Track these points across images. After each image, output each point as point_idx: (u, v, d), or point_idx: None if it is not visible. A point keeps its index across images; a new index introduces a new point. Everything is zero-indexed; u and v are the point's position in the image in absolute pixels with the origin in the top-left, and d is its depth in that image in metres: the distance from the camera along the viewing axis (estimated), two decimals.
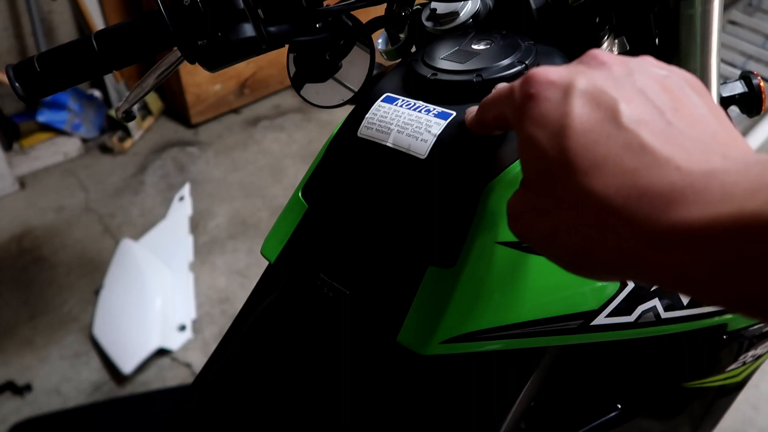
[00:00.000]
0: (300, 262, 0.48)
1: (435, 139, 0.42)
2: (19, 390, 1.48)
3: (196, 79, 2.23)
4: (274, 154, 2.22)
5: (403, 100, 0.46)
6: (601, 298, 0.43)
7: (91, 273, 1.78)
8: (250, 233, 1.90)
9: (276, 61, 2.35)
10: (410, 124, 0.44)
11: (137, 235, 1.87)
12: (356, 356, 0.43)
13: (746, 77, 0.71)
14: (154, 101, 2.31)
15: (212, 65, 0.51)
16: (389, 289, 0.43)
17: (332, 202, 0.48)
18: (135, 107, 0.63)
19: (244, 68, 2.34)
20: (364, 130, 0.46)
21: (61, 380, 1.52)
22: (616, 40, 0.58)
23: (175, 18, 0.47)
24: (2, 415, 1.43)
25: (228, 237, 1.89)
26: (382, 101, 0.47)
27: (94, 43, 0.49)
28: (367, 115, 0.46)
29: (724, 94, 0.71)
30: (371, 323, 0.43)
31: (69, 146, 2.18)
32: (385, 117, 0.45)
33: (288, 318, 0.47)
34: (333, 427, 0.44)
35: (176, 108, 2.35)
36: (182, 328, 1.61)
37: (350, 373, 0.43)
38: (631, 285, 0.44)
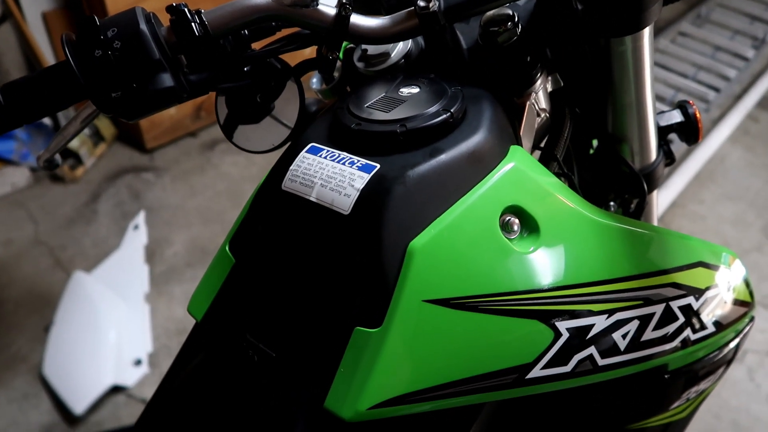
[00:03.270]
0: (226, 321, 0.46)
1: (358, 194, 0.41)
2: None
3: None
4: (233, 177, 2.18)
5: (327, 152, 0.44)
6: (534, 351, 0.42)
7: (41, 309, 1.71)
8: (209, 260, 1.85)
9: None
10: (334, 177, 0.42)
11: (90, 267, 1.81)
12: (284, 424, 0.41)
13: (682, 106, 0.72)
14: (106, 127, 2.26)
15: (130, 116, 0.49)
16: (315, 351, 0.41)
17: (258, 257, 0.46)
18: (57, 156, 0.60)
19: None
20: (288, 183, 0.44)
21: (8, 425, 1.45)
22: (550, 77, 0.58)
23: (86, 70, 0.45)
24: None
25: (186, 265, 1.85)
26: (306, 152, 0.45)
27: (0, 97, 0.46)
28: (291, 167, 0.45)
29: (662, 124, 0.71)
30: (298, 388, 0.41)
31: (17, 176, 2.10)
32: (309, 169, 0.44)
33: (214, 383, 0.45)
34: None
35: (130, 133, 2.29)
36: (138, 362, 1.56)
37: None
38: (565, 335, 0.43)
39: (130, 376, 1.53)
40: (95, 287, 1.70)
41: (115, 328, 1.59)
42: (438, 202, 0.41)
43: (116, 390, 1.50)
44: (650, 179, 0.68)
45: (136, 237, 1.89)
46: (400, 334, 0.39)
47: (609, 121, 0.65)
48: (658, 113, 0.70)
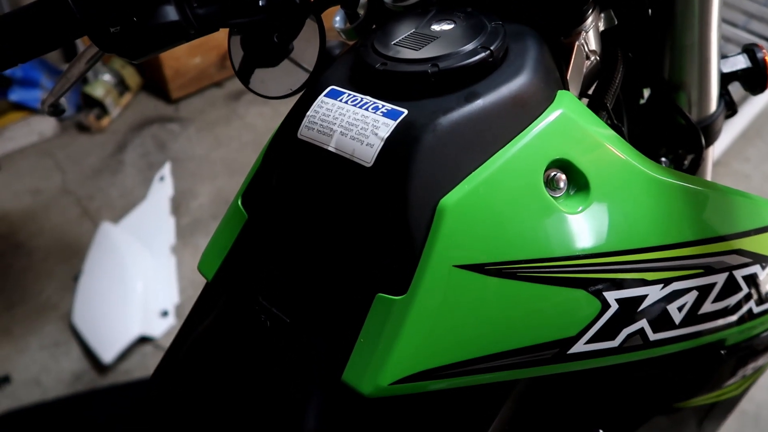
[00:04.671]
0: (238, 282, 0.42)
1: (382, 143, 0.36)
2: None
3: (174, 52, 2.14)
4: (259, 129, 2.14)
5: (348, 95, 0.39)
6: (579, 323, 0.38)
7: (69, 258, 1.72)
8: None
9: None
10: (355, 124, 0.37)
11: (117, 218, 1.81)
12: (297, 396, 0.38)
13: (750, 50, 0.64)
14: (131, 76, 2.22)
15: (131, 55, 0.44)
16: (333, 318, 0.37)
17: (272, 213, 0.42)
18: (62, 100, 0.56)
19: (224, 39, 2.23)
20: (304, 131, 0.39)
21: (40, 371, 1.48)
22: (602, 14, 0.51)
23: (81, 2, 0.40)
24: None
25: (211, 217, 1.83)
26: (325, 96, 0.40)
27: None
28: (308, 113, 0.40)
29: (725, 70, 0.64)
30: (313, 358, 0.38)
31: (44, 126, 2.10)
32: (328, 115, 0.39)
33: (223, 351, 0.42)
34: None
35: (155, 83, 2.26)
36: (164, 313, 1.57)
37: (290, 417, 0.38)
38: (614, 307, 0.38)
39: (157, 327, 1.54)
40: (122, 238, 1.70)
41: (142, 279, 1.60)
42: (473, 154, 0.36)
43: (144, 340, 1.51)
44: (708, 132, 0.61)
45: (162, 188, 1.88)
46: (427, 302, 0.34)
47: (666, 66, 0.57)
48: (722, 58, 0.62)
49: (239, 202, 0.45)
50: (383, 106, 0.37)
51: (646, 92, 0.64)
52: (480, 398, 0.39)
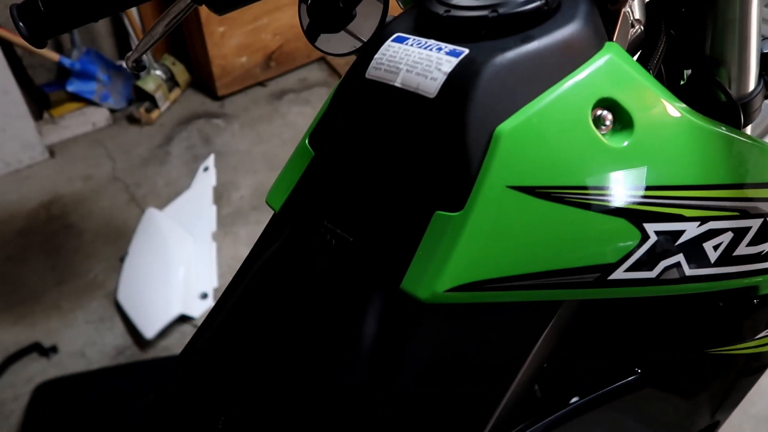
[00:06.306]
0: (304, 210, 0.47)
1: (445, 77, 0.40)
2: (45, 352, 1.51)
3: (222, 50, 2.23)
4: (299, 127, 2.21)
5: (414, 39, 0.43)
6: (620, 251, 0.41)
7: (116, 240, 1.80)
8: None
9: (302, 34, 2.33)
10: (420, 62, 0.41)
11: (162, 205, 1.89)
12: (359, 305, 0.41)
13: None
14: (181, 73, 2.32)
15: (220, 7, 0.49)
16: (394, 235, 0.41)
17: (338, 147, 0.46)
18: (145, 57, 0.62)
19: (270, 41, 2.32)
20: (372, 71, 0.44)
21: (85, 344, 1.54)
22: None
23: None
24: (29, 375, 1.47)
25: (251, 208, 1.89)
26: (392, 41, 0.44)
27: None
28: (375, 56, 0.44)
29: (766, 50, 0.66)
30: (375, 271, 0.41)
31: (97, 116, 2.20)
32: (395, 56, 0.43)
33: (291, 267, 0.46)
34: (336, 377, 0.43)
35: (203, 80, 2.35)
36: (204, 296, 1.62)
37: (353, 323, 0.41)
38: (653, 238, 0.41)
39: (196, 308, 1.59)
40: (167, 223, 1.77)
41: (184, 262, 1.66)
42: (528, 89, 0.39)
43: (183, 319, 1.56)
44: (747, 110, 0.63)
45: (206, 178, 1.95)
46: (482, 219, 0.38)
47: (708, 41, 0.60)
48: (763, 39, 0.65)
49: (306, 141, 0.49)
50: (446, 46, 0.41)
51: (687, 74, 0.67)
52: (525, 317, 0.42)
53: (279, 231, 0.48)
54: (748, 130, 0.70)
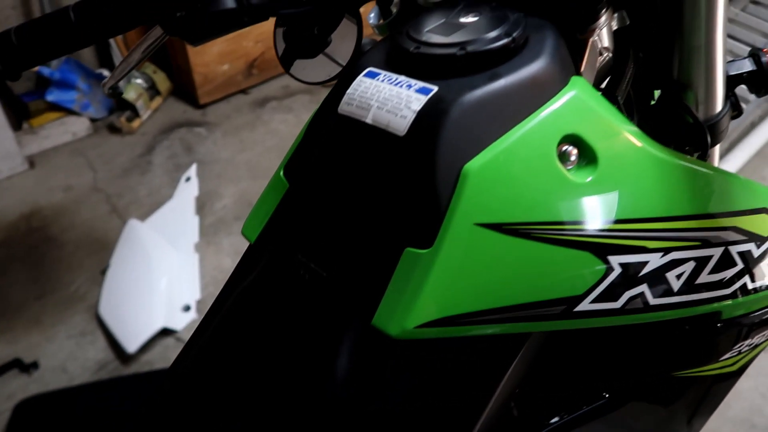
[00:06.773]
0: (278, 242, 0.47)
1: (414, 115, 0.41)
2: (26, 367, 1.50)
3: (203, 58, 2.22)
4: (282, 134, 2.21)
5: (385, 75, 0.44)
6: (585, 283, 0.42)
7: (98, 252, 1.79)
8: None
9: None
10: (390, 100, 0.42)
11: (144, 215, 1.88)
12: (331, 340, 0.42)
13: (755, 55, 0.68)
14: (162, 81, 2.31)
15: (193, 39, 0.50)
16: (366, 271, 0.42)
17: (312, 180, 0.47)
18: (121, 83, 0.62)
19: (252, 48, 2.32)
20: (344, 106, 0.44)
21: (67, 358, 1.53)
22: (615, 14, 0.56)
23: None
24: (9, 392, 1.45)
25: (234, 218, 1.89)
26: (363, 76, 0.45)
27: (72, 15, 0.48)
28: (348, 91, 0.45)
29: (731, 73, 0.68)
30: (347, 306, 0.42)
31: (78, 126, 2.18)
32: (366, 92, 0.44)
33: (265, 300, 0.46)
34: (307, 411, 0.43)
35: (184, 88, 2.34)
36: (187, 308, 1.62)
37: (325, 358, 0.42)
38: (617, 270, 0.42)
39: (179, 321, 1.59)
40: (149, 235, 1.76)
41: (167, 274, 1.65)
42: (495, 127, 0.40)
43: (166, 333, 1.56)
44: (714, 131, 0.65)
45: (188, 188, 1.95)
46: (451, 255, 0.39)
47: (675, 66, 0.62)
48: (729, 61, 0.67)
49: (281, 173, 0.50)
50: (416, 83, 0.42)
51: (657, 94, 0.68)
52: (494, 349, 0.43)
53: (255, 262, 0.49)
54: (716, 149, 0.73)
